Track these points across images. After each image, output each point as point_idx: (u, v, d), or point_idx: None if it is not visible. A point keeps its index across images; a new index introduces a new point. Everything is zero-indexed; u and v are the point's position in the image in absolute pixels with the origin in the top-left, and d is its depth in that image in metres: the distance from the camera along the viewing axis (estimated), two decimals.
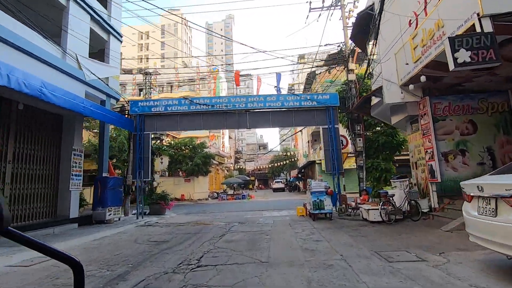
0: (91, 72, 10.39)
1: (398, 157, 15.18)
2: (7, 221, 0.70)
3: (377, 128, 14.18)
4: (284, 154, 44.44)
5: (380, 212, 7.74)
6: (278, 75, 13.21)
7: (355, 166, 13.39)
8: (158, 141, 28.32)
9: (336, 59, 14.95)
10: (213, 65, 39.36)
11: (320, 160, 27.34)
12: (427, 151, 8.58)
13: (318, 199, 9.52)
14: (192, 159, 26.51)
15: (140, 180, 11.95)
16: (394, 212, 7.88)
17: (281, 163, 42.57)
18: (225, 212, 14.30)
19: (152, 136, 27.30)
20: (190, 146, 27.75)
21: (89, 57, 10.80)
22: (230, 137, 56.62)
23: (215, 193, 29.11)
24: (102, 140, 11.67)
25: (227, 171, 41.88)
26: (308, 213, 10.65)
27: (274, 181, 42.28)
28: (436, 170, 8.12)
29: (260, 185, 55.65)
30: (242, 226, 9.04)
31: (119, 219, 11.19)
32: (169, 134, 33.83)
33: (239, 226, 9.08)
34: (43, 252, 0.77)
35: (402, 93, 8.76)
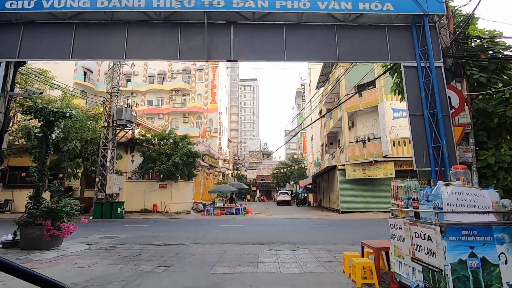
0: None
1: None
2: None
3: (491, 90, 6.98)
4: (294, 158, 37.13)
5: None
6: None
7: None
8: (130, 130, 21.53)
9: None
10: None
11: (343, 165, 20.00)
12: None
13: (475, 263, 2.39)
14: (170, 157, 19.45)
15: None
16: None
17: (288, 169, 35.11)
18: (189, 245, 7.22)
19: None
20: (171, 140, 20.77)
21: None
22: (229, 140, 49.57)
23: (201, 205, 21.87)
24: None
25: (223, 177, 34.49)
26: (391, 283, 3.52)
27: (279, 192, 34.71)
28: None
29: (262, 197, 48.01)
30: None
31: None
32: (151, 129, 26.96)
33: None
34: (34, 282, 0.66)
35: None
